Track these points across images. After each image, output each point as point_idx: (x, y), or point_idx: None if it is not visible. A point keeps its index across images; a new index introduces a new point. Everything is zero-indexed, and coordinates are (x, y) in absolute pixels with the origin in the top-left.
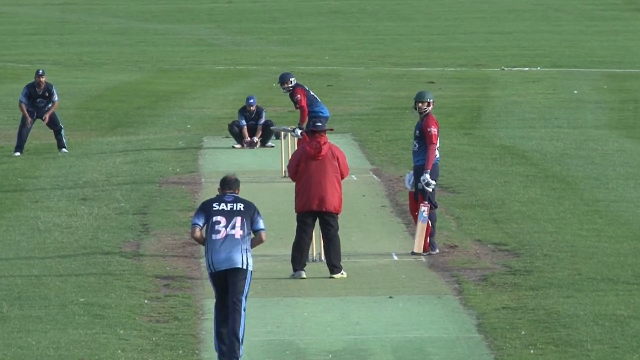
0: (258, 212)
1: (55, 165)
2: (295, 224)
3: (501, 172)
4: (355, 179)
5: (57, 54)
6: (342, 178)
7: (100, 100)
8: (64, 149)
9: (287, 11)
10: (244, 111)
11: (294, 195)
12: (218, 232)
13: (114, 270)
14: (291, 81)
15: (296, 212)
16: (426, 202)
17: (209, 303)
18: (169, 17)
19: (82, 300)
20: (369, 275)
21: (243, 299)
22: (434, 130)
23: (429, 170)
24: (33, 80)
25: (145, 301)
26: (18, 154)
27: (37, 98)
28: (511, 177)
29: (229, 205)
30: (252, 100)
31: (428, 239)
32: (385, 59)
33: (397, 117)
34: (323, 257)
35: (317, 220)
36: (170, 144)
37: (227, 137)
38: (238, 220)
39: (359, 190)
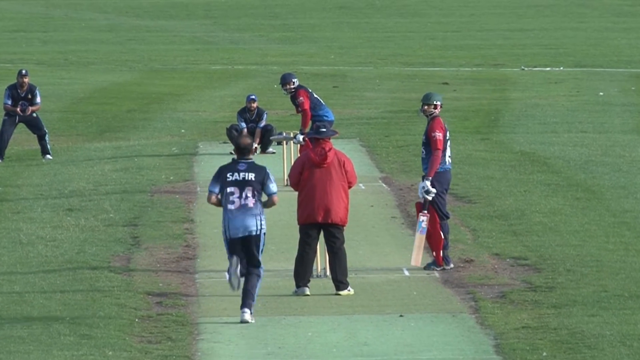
0: (269, 177)
1: (39, 173)
2: (298, 236)
3: (521, 181)
4: (363, 188)
5: (40, 52)
6: (349, 187)
7: (87, 102)
8: (48, 156)
9: (289, 6)
10: (243, 112)
11: (296, 205)
12: (233, 202)
13: (102, 287)
14: (293, 82)
15: (299, 224)
16: (425, 212)
17: (205, 322)
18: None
19: (67, 318)
20: (378, 291)
21: (259, 259)
22: (438, 135)
23: (430, 178)
24: (15, 81)
25: (136, 320)
26: None
27: (19, 100)
28: (532, 185)
29: (241, 174)
30: (253, 97)
31: (441, 252)
32: (395, 58)
33: (408, 121)
34: (328, 273)
35: (322, 233)
36: (163, 150)
37: (224, 142)
38: (250, 190)
39: (367, 200)
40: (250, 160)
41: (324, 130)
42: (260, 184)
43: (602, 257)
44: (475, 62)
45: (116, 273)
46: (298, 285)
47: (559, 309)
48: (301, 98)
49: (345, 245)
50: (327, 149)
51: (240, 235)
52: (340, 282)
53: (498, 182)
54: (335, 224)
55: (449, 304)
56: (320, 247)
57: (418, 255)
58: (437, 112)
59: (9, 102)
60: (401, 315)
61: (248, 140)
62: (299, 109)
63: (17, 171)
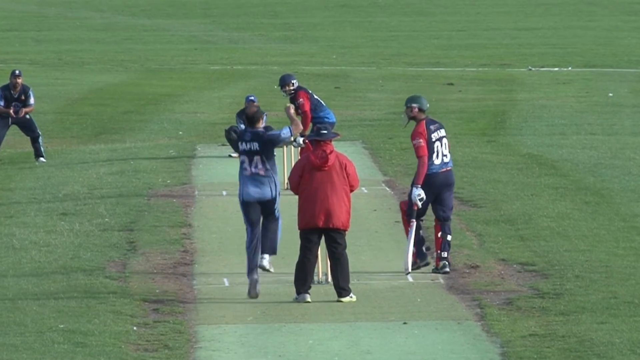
0: (271, 132)
1: (32, 177)
2: (298, 241)
3: (528, 184)
4: (365, 191)
5: (34, 52)
6: (351, 191)
7: (82, 104)
8: (41, 159)
9: (290, 5)
10: (242, 114)
11: (296, 210)
12: (245, 169)
13: (98, 293)
14: (293, 83)
15: (299, 228)
16: (413, 220)
17: (203, 329)
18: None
19: (61, 326)
20: (381, 298)
21: (277, 214)
22: (418, 142)
23: (418, 186)
24: (8, 81)
25: (133, 327)
26: None
27: (12, 101)
28: (539, 189)
29: (247, 144)
30: (252, 98)
31: (416, 248)
32: (399, 58)
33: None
34: (330, 279)
35: (323, 238)
36: (160, 153)
37: (223, 145)
38: (258, 159)
39: (370, 204)
40: (255, 130)
41: (325, 132)
42: (268, 150)
43: (612, 263)
44: (481, 62)
45: (112, 279)
46: (299, 292)
47: (567, 316)
48: (301, 99)
49: (347, 251)
50: (328, 151)
51: (255, 198)
52: (342, 289)
53: (504, 186)
54: (336, 228)
55: (454, 311)
56: (322, 253)
57: (408, 261)
58: (420, 116)
59: (2, 103)
60: (405, 323)
61: (254, 109)
62: (299, 111)
63: (10, 174)
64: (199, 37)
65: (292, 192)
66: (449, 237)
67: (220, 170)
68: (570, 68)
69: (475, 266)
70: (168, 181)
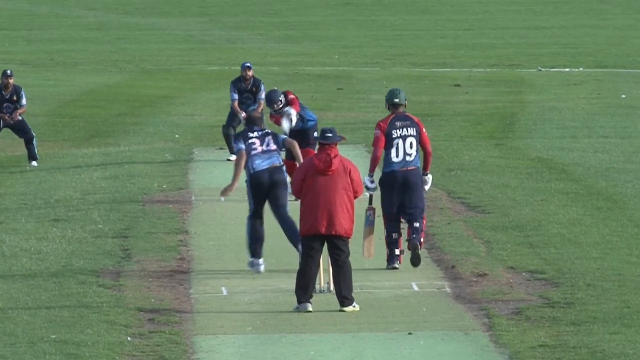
0: (278, 135)
1: (23, 181)
2: (300, 248)
3: (538, 189)
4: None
5: (24, 52)
6: (356, 197)
7: (75, 106)
8: (34, 162)
9: (290, 3)
10: (237, 82)
11: (298, 215)
12: (255, 148)
13: (91, 303)
14: (281, 101)
15: (301, 235)
16: (370, 206)
17: (200, 340)
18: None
19: (53, 337)
20: (385, 308)
21: (286, 204)
22: (375, 133)
23: (370, 174)
24: None
25: (127, 338)
26: None
27: (3, 102)
28: (549, 194)
29: (259, 132)
30: (248, 64)
31: (387, 249)
32: (403, 58)
33: None
34: (332, 288)
35: (326, 245)
36: (156, 157)
37: (220, 148)
38: (270, 139)
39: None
40: (262, 129)
41: (330, 135)
42: (276, 139)
43: (625, 271)
44: (489, 63)
45: (105, 288)
46: (300, 301)
47: (579, 327)
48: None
49: (350, 258)
50: (332, 155)
51: (265, 167)
52: (344, 298)
53: (513, 191)
54: (339, 235)
55: (461, 321)
56: (324, 260)
57: (369, 248)
58: (392, 110)
59: None
60: (410, 333)
61: (257, 115)
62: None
63: (0, 179)
64: (196, 36)
65: (294, 197)
66: (415, 224)
67: (218, 175)
68: (581, 68)
69: (483, 274)
70: (164, 186)
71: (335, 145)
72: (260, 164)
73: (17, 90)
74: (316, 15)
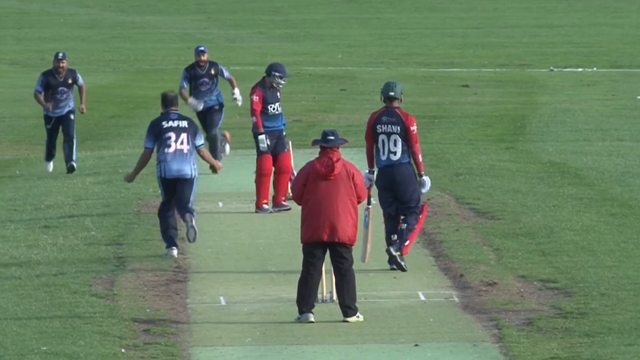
0: (198, 129)
1: (12, 186)
2: (301, 256)
3: (550, 195)
4: (373, 202)
5: (14, 51)
6: (359, 202)
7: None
8: (72, 162)
9: (292, 0)
10: (191, 69)
11: (299, 221)
12: (169, 146)
13: (83, 313)
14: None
15: (302, 242)
16: (368, 206)
17: (197, 352)
18: (149, 7)
19: (44, 348)
20: (391, 318)
21: (191, 202)
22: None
23: (370, 170)
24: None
25: (122, 350)
26: None
27: (57, 87)
28: (562, 200)
29: (175, 122)
30: (202, 48)
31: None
32: (409, 57)
33: (424, 128)
34: (335, 297)
35: (328, 253)
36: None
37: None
38: (184, 136)
39: (378, 216)
40: (178, 112)
41: (332, 137)
42: (193, 134)
43: None
44: (498, 62)
45: (98, 297)
46: (301, 311)
47: (593, 338)
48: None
49: (354, 267)
50: (334, 159)
51: (175, 176)
52: (348, 308)
53: (524, 196)
54: (342, 242)
55: (470, 332)
56: (326, 269)
57: (366, 252)
58: (386, 104)
59: (40, 89)
60: (416, 345)
61: (173, 94)
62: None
63: None
64: (193, 35)
65: (295, 203)
66: (403, 225)
67: (215, 180)
68: (595, 69)
69: (493, 283)
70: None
71: (338, 148)
72: (171, 171)
73: (72, 73)
74: (318, 13)
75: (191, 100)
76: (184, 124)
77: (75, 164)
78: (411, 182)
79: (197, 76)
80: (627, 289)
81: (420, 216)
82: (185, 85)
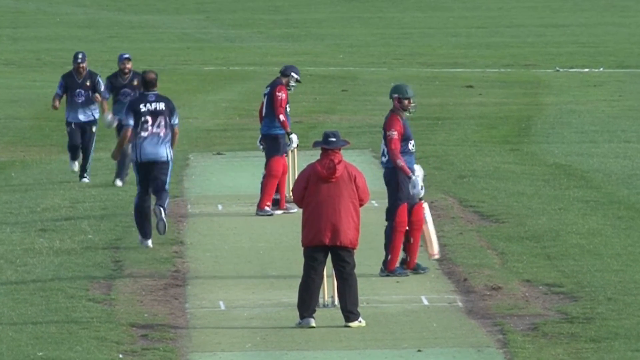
0: (175, 109)
1: (8, 189)
2: (302, 260)
3: (555, 197)
4: (376, 205)
5: (9, 51)
6: (361, 205)
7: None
8: (85, 179)
9: None
10: (114, 78)
11: (300, 225)
12: (146, 129)
13: (80, 318)
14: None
15: (303, 245)
16: (421, 201)
17: (196, 358)
18: (147, 7)
19: (40, 354)
20: (393, 323)
21: (167, 184)
22: (392, 134)
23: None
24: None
25: (119, 355)
26: None
27: (76, 88)
28: (567, 203)
29: (153, 104)
30: (127, 56)
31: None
32: (412, 57)
33: (427, 129)
34: (337, 302)
35: (330, 257)
36: None
37: (218, 153)
38: (162, 120)
39: (381, 219)
40: (157, 92)
41: (334, 139)
42: (169, 114)
43: None
44: (503, 63)
45: (95, 302)
46: (302, 316)
47: (599, 343)
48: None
49: (356, 271)
50: (336, 161)
51: (150, 159)
52: (350, 313)
53: (529, 199)
54: (344, 246)
55: (474, 337)
56: (328, 273)
57: (431, 245)
58: (395, 106)
59: (59, 92)
60: (419, 350)
61: (153, 75)
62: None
63: None
64: (192, 34)
65: (296, 205)
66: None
67: (215, 182)
68: (601, 69)
69: (497, 288)
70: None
71: (339, 150)
72: (147, 155)
73: (92, 76)
74: (319, 12)
75: (106, 116)
76: (161, 106)
77: (87, 180)
78: (390, 188)
79: (118, 86)
80: (634, 293)
81: (395, 222)
82: (108, 95)
